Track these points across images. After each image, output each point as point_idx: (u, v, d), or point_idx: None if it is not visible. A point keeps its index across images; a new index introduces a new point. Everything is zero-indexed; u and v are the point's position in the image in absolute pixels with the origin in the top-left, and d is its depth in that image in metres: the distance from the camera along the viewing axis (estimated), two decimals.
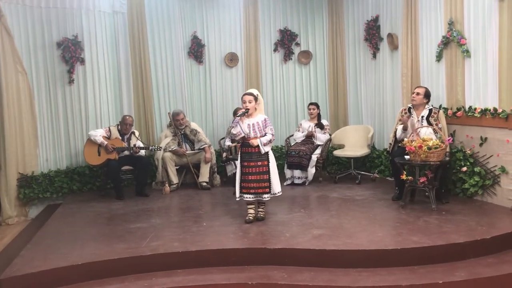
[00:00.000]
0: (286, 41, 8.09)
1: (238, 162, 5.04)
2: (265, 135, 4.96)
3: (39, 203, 6.80)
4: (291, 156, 6.88)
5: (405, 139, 5.37)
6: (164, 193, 6.65)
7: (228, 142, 7.14)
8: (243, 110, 4.94)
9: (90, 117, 7.09)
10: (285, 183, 6.82)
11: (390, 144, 5.98)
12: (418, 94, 5.64)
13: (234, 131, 4.90)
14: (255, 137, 4.91)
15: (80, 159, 7.04)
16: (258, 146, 4.89)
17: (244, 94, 5.04)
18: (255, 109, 4.99)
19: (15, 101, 6.43)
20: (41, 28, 6.75)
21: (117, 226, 5.11)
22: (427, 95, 5.66)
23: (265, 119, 5.00)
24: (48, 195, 6.77)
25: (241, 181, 4.96)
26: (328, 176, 7.43)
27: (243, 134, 4.89)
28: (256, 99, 4.97)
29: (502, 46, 5.00)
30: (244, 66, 7.96)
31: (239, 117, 4.93)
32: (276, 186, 5.00)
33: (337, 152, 7.24)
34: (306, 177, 6.88)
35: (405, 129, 5.63)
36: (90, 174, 7.07)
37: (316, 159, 6.89)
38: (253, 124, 4.93)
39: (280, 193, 5.07)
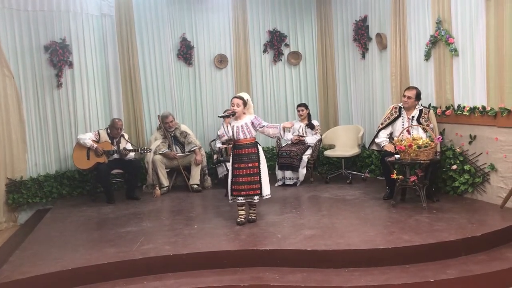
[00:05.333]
0: (276, 42, 8.09)
1: (229, 164, 5.03)
2: (262, 127, 4.92)
3: (28, 208, 6.73)
4: (282, 157, 6.88)
5: (384, 144, 5.72)
6: (155, 196, 6.61)
7: (218, 144, 7.12)
8: (229, 112, 4.93)
9: (79, 120, 7.03)
10: (276, 184, 6.83)
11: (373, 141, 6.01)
12: (409, 98, 5.65)
13: (219, 132, 4.90)
14: (245, 138, 4.90)
15: (70, 163, 6.98)
16: (249, 146, 4.89)
17: (234, 97, 5.03)
18: (244, 113, 4.98)
19: (2, 105, 6.36)
20: (28, 32, 6.69)
21: (108, 230, 5.06)
22: (418, 96, 5.67)
23: (255, 117, 4.96)
24: (37, 200, 6.71)
25: (232, 183, 4.94)
26: (319, 176, 7.44)
27: (226, 137, 4.90)
28: (245, 103, 4.96)
29: (489, 44, 5.04)
30: (234, 68, 7.95)
31: (221, 118, 4.91)
32: (266, 188, 4.98)
33: (327, 153, 7.25)
34: (297, 178, 6.88)
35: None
36: (80, 178, 7.02)
37: (307, 159, 6.89)
38: (241, 126, 4.91)
39: (269, 196, 5.04)
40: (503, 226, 4.36)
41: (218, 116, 5.07)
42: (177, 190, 6.97)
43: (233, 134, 4.91)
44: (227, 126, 4.92)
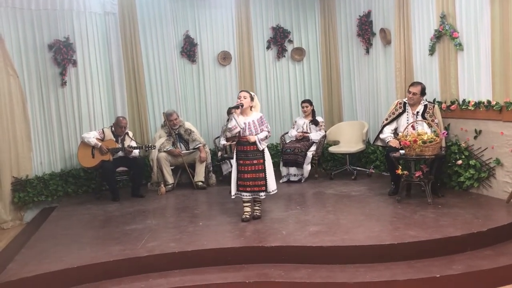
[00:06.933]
0: (279, 38, 8.07)
1: (234, 160, 5.03)
2: (261, 132, 4.95)
3: (34, 206, 6.75)
4: (286, 154, 6.87)
5: (388, 140, 5.68)
6: (160, 194, 6.62)
7: (223, 141, 7.12)
8: (238, 103, 4.92)
9: (83, 119, 7.05)
10: (281, 181, 6.82)
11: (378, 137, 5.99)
12: (414, 94, 5.61)
13: (230, 124, 4.86)
14: (252, 135, 4.91)
15: (75, 162, 6.99)
16: (254, 143, 4.88)
17: (240, 91, 5.07)
18: (251, 108, 4.98)
19: (7, 104, 6.39)
20: (32, 31, 6.70)
21: (113, 228, 5.08)
22: (423, 91, 5.64)
23: (260, 117, 5.00)
24: (43, 199, 6.73)
25: (238, 179, 4.95)
26: (324, 172, 7.42)
27: (239, 128, 4.85)
28: (252, 97, 4.97)
29: (494, 38, 5.01)
30: (237, 64, 7.94)
31: (233, 109, 4.90)
32: (272, 184, 4.99)
33: (332, 149, 7.23)
34: (302, 174, 6.86)
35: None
36: (85, 176, 7.04)
37: (311, 156, 6.88)
38: (248, 123, 4.92)
39: (276, 191, 5.05)
40: (509, 221, 4.34)
41: (230, 107, 5.00)
42: (181, 188, 6.98)
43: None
44: (238, 118, 4.88)
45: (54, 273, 3.87)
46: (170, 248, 4.22)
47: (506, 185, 5.10)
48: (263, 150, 4.95)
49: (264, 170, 4.93)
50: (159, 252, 4.15)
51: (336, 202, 5.60)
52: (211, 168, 7.19)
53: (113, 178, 6.52)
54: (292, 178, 6.87)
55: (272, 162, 5.12)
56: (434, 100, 5.95)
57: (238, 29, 7.87)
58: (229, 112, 5.06)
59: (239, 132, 4.89)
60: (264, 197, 5.01)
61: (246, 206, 5.00)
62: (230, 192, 5.08)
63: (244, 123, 4.91)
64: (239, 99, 4.94)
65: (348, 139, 7.34)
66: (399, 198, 5.33)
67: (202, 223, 5.00)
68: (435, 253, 3.95)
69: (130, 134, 6.79)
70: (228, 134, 4.99)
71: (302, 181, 6.84)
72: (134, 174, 6.63)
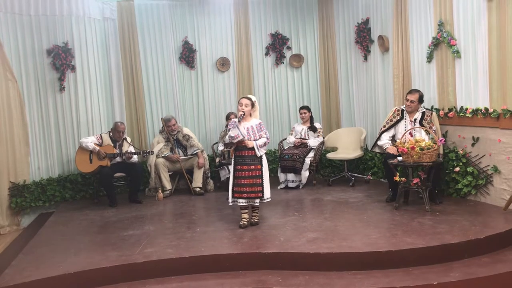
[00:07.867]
0: (278, 45, 8.09)
1: (231, 166, 5.02)
2: (259, 138, 4.95)
3: (32, 212, 6.74)
4: (284, 160, 6.87)
5: (386, 147, 5.72)
6: (158, 200, 6.61)
7: (221, 147, 7.12)
8: (241, 113, 4.93)
9: (81, 124, 7.05)
10: (279, 187, 6.82)
11: (376, 143, 6.00)
12: (412, 102, 5.64)
13: (232, 133, 4.86)
14: (250, 140, 4.91)
15: (72, 167, 6.99)
16: (252, 149, 4.88)
17: (242, 98, 5.06)
18: (250, 114, 4.99)
19: (5, 109, 6.39)
20: (31, 36, 6.72)
21: (110, 233, 5.06)
22: (421, 99, 5.67)
23: (259, 123, 5.00)
24: (40, 204, 6.72)
25: (234, 185, 4.94)
26: (321, 179, 7.42)
27: (241, 137, 4.86)
28: (253, 104, 4.97)
29: (491, 45, 5.03)
30: (236, 71, 7.96)
31: (238, 121, 4.90)
32: (267, 191, 4.97)
33: (330, 155, 7.24)
34: (300, 181, 6.86)
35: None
36: (83, 181, 7.03)
37: (309, 162, 6.88)
38: (247, 128, 4.93)
39: (269, 199, 5.03)
40: (506, 229, 4.34)
41: (238, 118, 5.01)
42: (179, 193, 6.97)
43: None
44: (240, 126, 4.89)
45: (51, 279, 3.86)
46: (168, 254, 4.21)
47: (503, 192, 5.11)
48: (261, 156, 4.96)
49: (261, 176, 4.92)
50: (156, 258, 4.14)
51: (334, 208, 5.60)
52: (209, 174, 7.19)
53: (111, 184, 6.51)
54: (290, 185, 6.87)
55: (270, 168, 5.12)
56: (432, 107, 5.97)
57: (236, 35, 7.90)
58: (228, 117, 5.06)
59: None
60: (258, 204, 4.99)
61: (244, 213, 4.99)
62: (227, 198, 5.08)
63: (243, 129, 4.91)
64: (241, 106, 4.93)
65: (346, 146, 7.35)
66: (397, 205, 5.33)
67: (200, 229, 4.99)
68: (433, 260, 3.94)
69: (128, 139, 6.80)
70: (227, 140, 5.00)
71: (300, 188, 6.83)
72: (132, 179, 6.63)
